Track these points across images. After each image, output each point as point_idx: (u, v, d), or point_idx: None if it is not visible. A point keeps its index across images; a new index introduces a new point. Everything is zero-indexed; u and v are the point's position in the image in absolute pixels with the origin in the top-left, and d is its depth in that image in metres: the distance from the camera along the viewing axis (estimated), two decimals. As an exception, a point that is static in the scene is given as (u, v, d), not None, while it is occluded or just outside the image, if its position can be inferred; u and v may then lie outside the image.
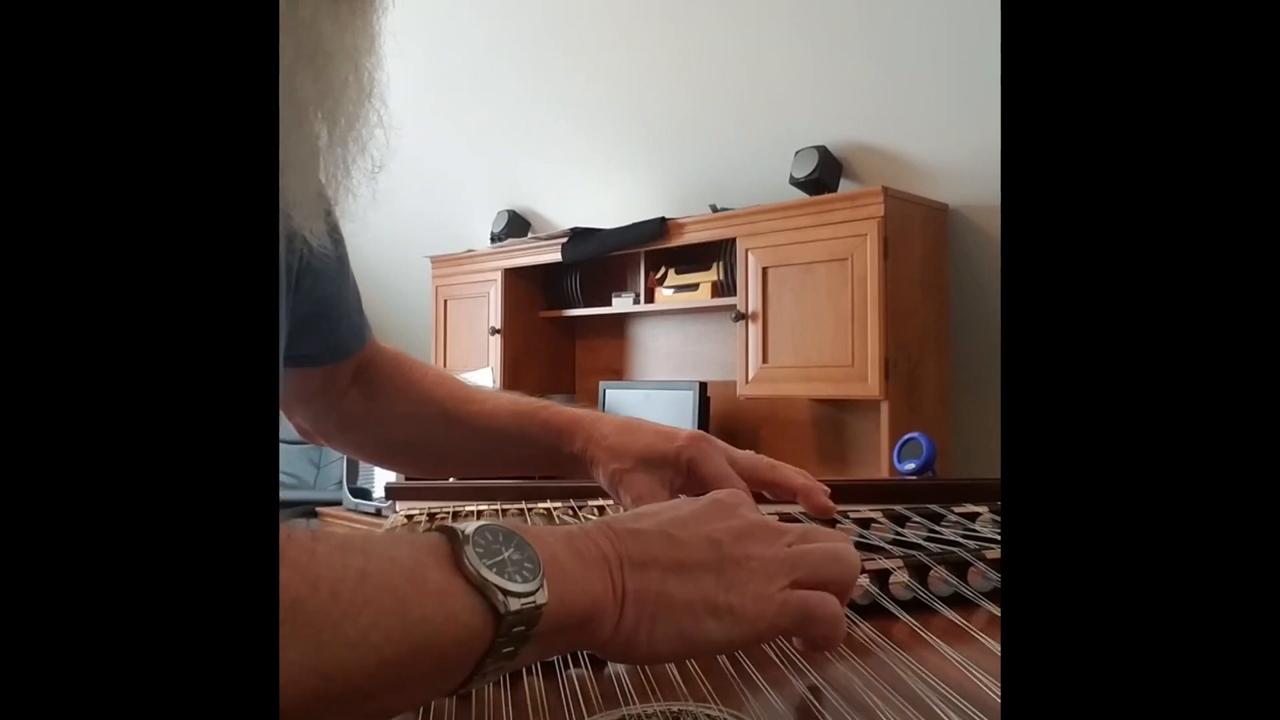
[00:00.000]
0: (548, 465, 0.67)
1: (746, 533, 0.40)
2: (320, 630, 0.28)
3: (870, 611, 0.50)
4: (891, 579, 0.52)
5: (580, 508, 0.73)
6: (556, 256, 2.84)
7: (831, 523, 0.65)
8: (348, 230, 0.56)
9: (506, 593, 0.31)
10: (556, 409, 0.67)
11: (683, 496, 0.43)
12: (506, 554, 0.33)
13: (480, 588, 0.31)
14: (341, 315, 0.66)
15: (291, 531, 0.29)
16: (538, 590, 0.32)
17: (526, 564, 0.33)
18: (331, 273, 0.61)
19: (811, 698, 0.40)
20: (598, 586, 0.35)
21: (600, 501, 0.78)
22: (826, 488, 0.62)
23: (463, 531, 0.33)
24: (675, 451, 0.61)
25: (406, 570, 0.31)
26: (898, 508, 0.69)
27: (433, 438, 0.71)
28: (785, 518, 0.68)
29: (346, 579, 0.29)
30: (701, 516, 0.41)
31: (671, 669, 0.42)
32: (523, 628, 0.32)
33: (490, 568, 0.32)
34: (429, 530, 0.34)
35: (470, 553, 0.32)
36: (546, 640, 0.34)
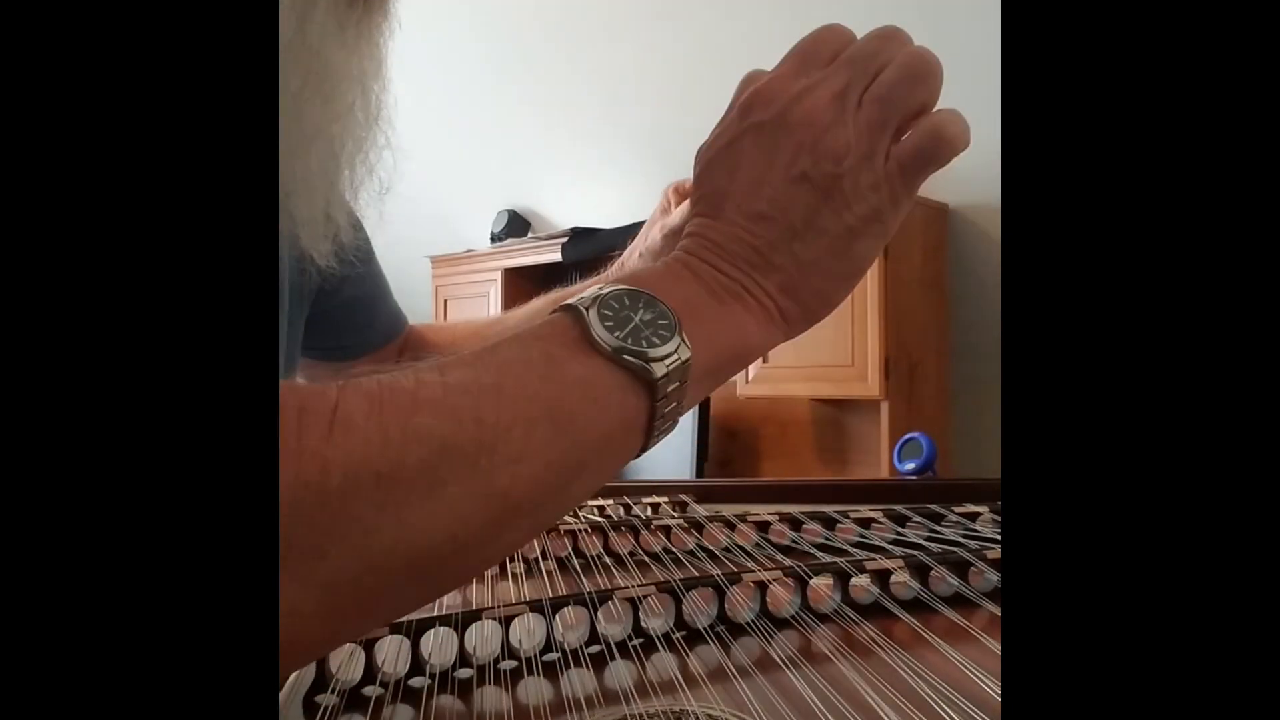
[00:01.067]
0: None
1: (812, 141, 0.35)
2: (478, 458, 0.27)
3: (871, 611, 0.50)
4: (892, 579, 0.52)
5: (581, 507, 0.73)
6: (556, 256, 2.84)
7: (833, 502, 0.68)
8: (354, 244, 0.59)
9: (650, 359, 0.30)
10: (568, 290, 0.68)
11: (711, 134, 0.38)
12: (637, 318, 0.31)
13: (621, 362, 0.30)
14: (379, 306, 0.74)
15: (419, 374, 0.29)
16: (679, 345, 0.31)
17: (660, 320, 0.31)
18: (359, 274, 0.66)
19: (813, 697, 0.40)
20: (739, 313, 0.33)
21: (601, 501, 0.78)
22: None
23: (584, 306, 0.31)
24: (660, 201, 0.67)
25: (541, 371, 0.30)
26: (898, 508, 0.69)
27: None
28: (785, 518, 0.68)
29: (485, 402, 0.28)
30: (759, 158, 0.36)
31: (672, 669, 0.42)
32: (677, 384, 0.31)
33: (624, 339, 0.30)
34: (553, 313, 0.32)
35: (599, 328, 0.30)
36: (709, 378, 0.32)
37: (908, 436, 1.28)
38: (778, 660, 0.44)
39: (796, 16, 2.15)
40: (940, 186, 2.26)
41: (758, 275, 0.34)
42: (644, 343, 0.30)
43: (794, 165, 0.35)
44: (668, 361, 0.30)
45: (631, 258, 0.69)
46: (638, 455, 0.32)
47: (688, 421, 2.52)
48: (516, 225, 3.25)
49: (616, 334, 0.30)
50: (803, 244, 0.35)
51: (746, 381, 2.36)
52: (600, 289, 0.32)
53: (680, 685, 0.41)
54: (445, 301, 3.30)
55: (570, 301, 0.32)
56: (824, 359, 2.20)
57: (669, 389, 0.30)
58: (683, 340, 0.31)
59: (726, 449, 2.66)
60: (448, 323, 0.80)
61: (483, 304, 3.11)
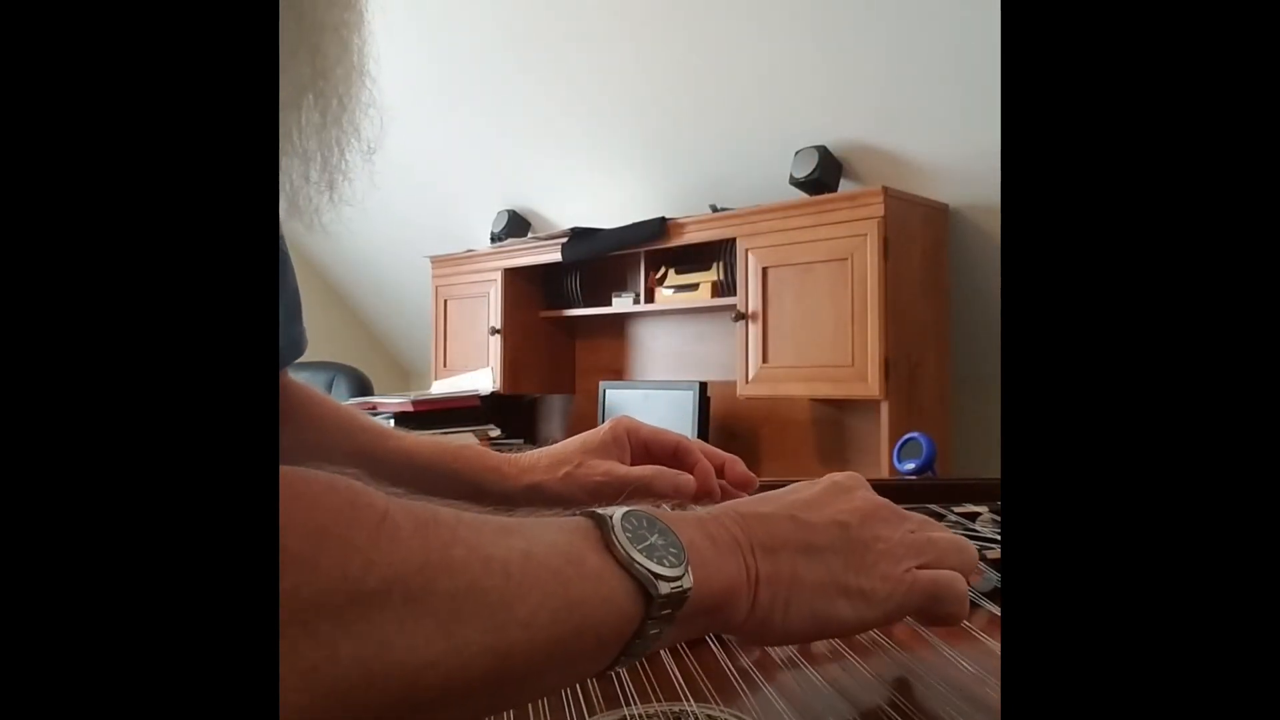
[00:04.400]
0: (466, 506, 0.63)
1: (871, 514, 0.41)
2: (496, 610, 0.29)
3: (871, 611, 0.50)
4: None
5: None
6: (556, 256, 2.84)
7: None
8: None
9: (658, 576, 0.32)
10: (480, 448, 0.65)
11: (800, 482, 0.43)
12: (652, 539, 0.33)
13: (633, 571, 0.32)
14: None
15: (459, 514, 0.30)
16: (684, 575, 0.33)
17: (671, 549, 0.33)
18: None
19: (813, 697, 0.40)
20: (733, 571, 0.36)
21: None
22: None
23: (610, 516, 0.33)
24: (608, 431, 0.61)
25: (565, 553, 0.31)
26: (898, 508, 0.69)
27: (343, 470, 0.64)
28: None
29: (514, 560, 0.30)
30: (824, 498, 0.41)
31: (673, 669, 0.42)
32: (670, 610, 0.32)
33: (641, 552, 0.32)
34: (574, 514, 0.34)
35: (620, 537, 0.32)
36: (687, 622, 0.34)
37: (908, 436, 1.28)
38: (778, 660, 0.44)
39: (797, 17, 2.15)
40: (940, 186, 2.26)
41: (760, 554, 0.37)
42: (656, 560, 0.33)
43: (845, 515, 0.40)
44: (672, 584, 0.32)
45: (554, 475, 0.61)
46: (598, 674, 0.34)
47: (688, 421, 2.52)
48: (516, 225, 3.26)
49: (635, 546, 0.33)
50: (807, 565, 0.38)
51: (747, 381, 2.36)
52: (624, 507, 0.34)
53: (680, 686, 0.41)
54: (445, 301, 3.30)
55: (597, 510, 0.34)
56: (824, 359, 2.20)
57: (663, 611, 0.32)
58: (688, 571, 0.33)
59: (727, 449, 2.64)
60: (334, 401, 0.66)
61: (483, 304, 3.12)
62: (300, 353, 0.62)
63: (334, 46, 0.39)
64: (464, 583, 0.28)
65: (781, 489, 0.43)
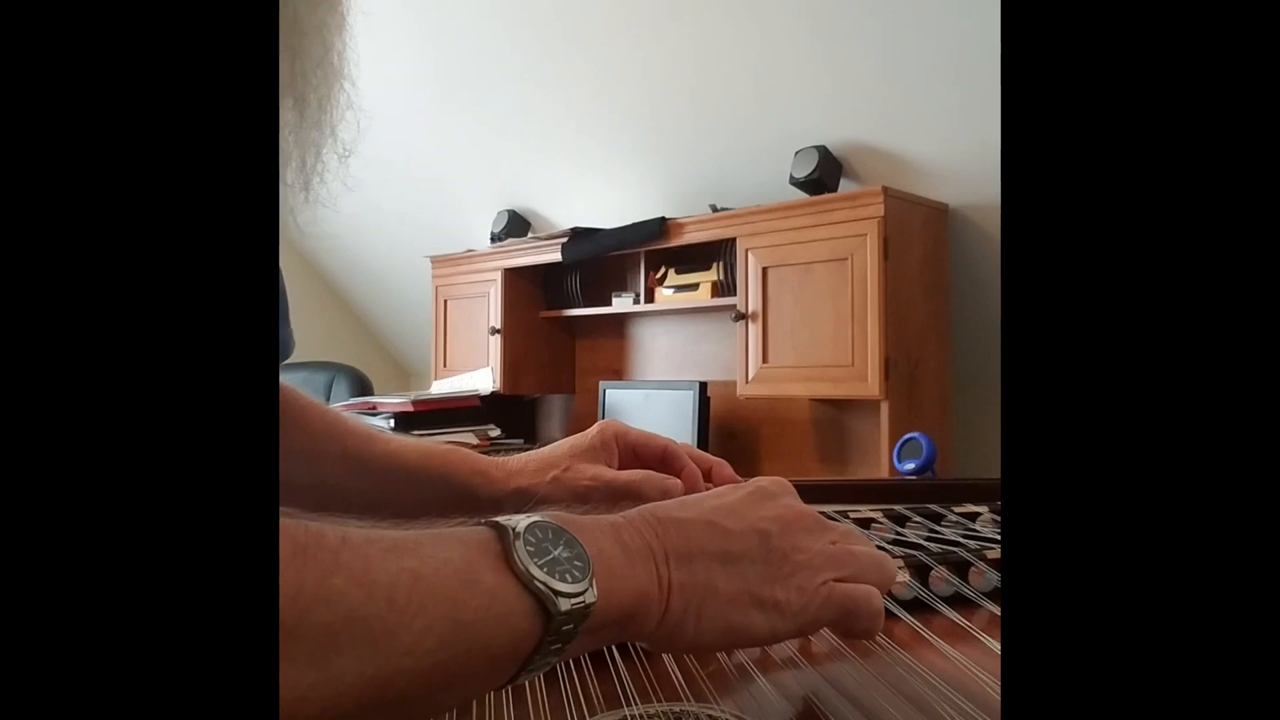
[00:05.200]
0: (453, 509, 0.60)
1: (793, 523, 0.40)
2: (377, 639, 0.28)
3: (871, 611, 0.50)
4: (892, 579, 0.52)
5: None
6: (556, 256, 2.84)
7: None
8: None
9: (558, 593, 0.31)
10: (467, 451, 0.63)
11: (726, 485, 0.43)
12: (556, 551, 0.33)
13: (530, 587, 0.31)
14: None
15: (346, 534, 0.29)
16: (587, 589, 0.32)
17: (576, 562, 0.33)
18: None
19: (813, 697, 0.40)
20: (644, 580, 0.35)
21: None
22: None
23: (514, 528, 0.33)
24: (596, 435, 0.61)
25: (459, 571, 0.31)
26: (898, 508, 0.69)
27: (326, 476, 0.61)
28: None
29: (401, 583, 0.29)
30: (746, 505, 0.40)
31: (673, 669, 0.42)
32: (571, 626, 0.32)
33: (542, 567, 0.32)
34: (478, 524, 0.34)
35: (521, 551, 0.32)
36: (593, 634, 0.34)
37: (908, 436, 1.28)
38: (778, 660, 0.44)
39: (797, 18, 2.15)
40: (940, 186, 2.26)
41: (674, 561, 0.36)
42: (557, 576, 0.32)
43: (766, 523, 0.39)
44: (573, 601, 0.32)
45: (541, 479, 0.60)
46: (494, 690, 0.33)
47: (688, 421, 2.52)
48: (516, 225, 3.25)
49: (536, 561, 0.32)
50: (722, 574, 0.37)
51: (746, 381, 2.36)
52: (530, 517, 0.33)
53: (680, 685, 0.41)
54: (445, 301, 3.30)
55: (499, 520, 0.33)
56: (824, 359, 2.20)
57: (563, 627, 0.32)
58: (592, 585, 0.33)
59: (727, 449, 2.66)
60: (319, 403, 0.63)
61: (483, 304, 3.12)
62: (288, 353, 0.62)
63: (315, 48, 0.39)
64: (341, 613, 0.27)
65: (705, 493, 0.42)
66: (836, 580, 0.40)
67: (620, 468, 0.60)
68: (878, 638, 0.46)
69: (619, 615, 0.34)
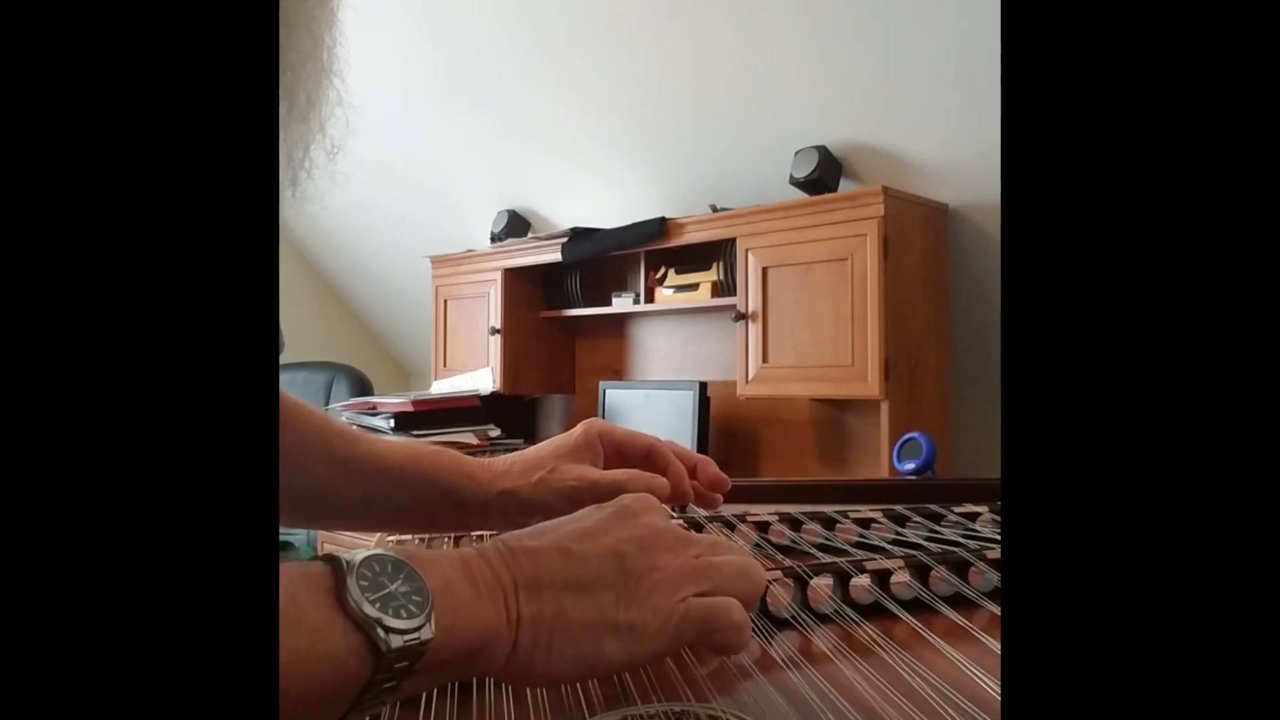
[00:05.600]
0: (440, 511, 0.62)
1: (652, 541, 0.39)
2: None
3: (872, 611, 0.50)
4: (893, 579, 0.52)
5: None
6: (556, 256, 2.84)
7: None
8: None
9: (389, 629, 0.30)
10: (454, 453, 0.62)
11: (589, 506, 0.42)
12: (393, 586, 0.32)
13: (361, 625, 0.30)
14: None
15: None
16: (423, 626, 0.31)
17: (415, 596, 0.32)
18: None
19: (813, 697, 0.40)
20: (490, 615, 0.34)
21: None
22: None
23: (348, 562, 0.32)
24: (581, 435, 0.60)
25: (281, 609, 0.29)
26: (898, 508, 0.69)
27: (313, 478, 0.61)
28: (785, 518, 0.68)
29: None
30: (605, 526, 0.39)
31: (673, 669, 0.42)
32: (406, 663, 0.31)
33: (374, 603, 0.31)
34: (316, 560, 0.33)
35: (353, 586, 0.31)
36: (434, 672, 0.33)
37: (908, 436, 1.28)
38: (778, 660, 0.44)
39: (797, 18, 2.15)
40: (940, 186, 2.26)
41: (523, 593, 0.35)
42: (391, 612, 0.31)
43: (622, 545, 0.38)
44: (406, 638, 0.31)
45: (527, 480, 0.60)
46: None
47: (688, 422, 2.52)
48: (516, 225, 3.25)
49: (369, 596, 0.31)
50: (574, 602, 0.36)
51: (747, 381, 2.36)
52: (368, 551, 0.33)
53: (680, 685, 0.41)
54: (445, 301, 3.30)
55: (337, 555, 0.32)
56: (824, 359, 2.20)
57: (396, 665, 0.31)
58: (429, 621, 0.32)
59: (727, 449, 2.66)
60: (305, 403, 0.62)
61: (483, 304, 3.12)
62: (278, 353, 0.61)
63: (304, 42, 0.39)
64: None
65: (565, 517, 0.41)
66: (697, 595, 0.38)
67: (606, 467, 0.60)
68: (877, 638, 0.46)
69: (463, 651, 0.33)
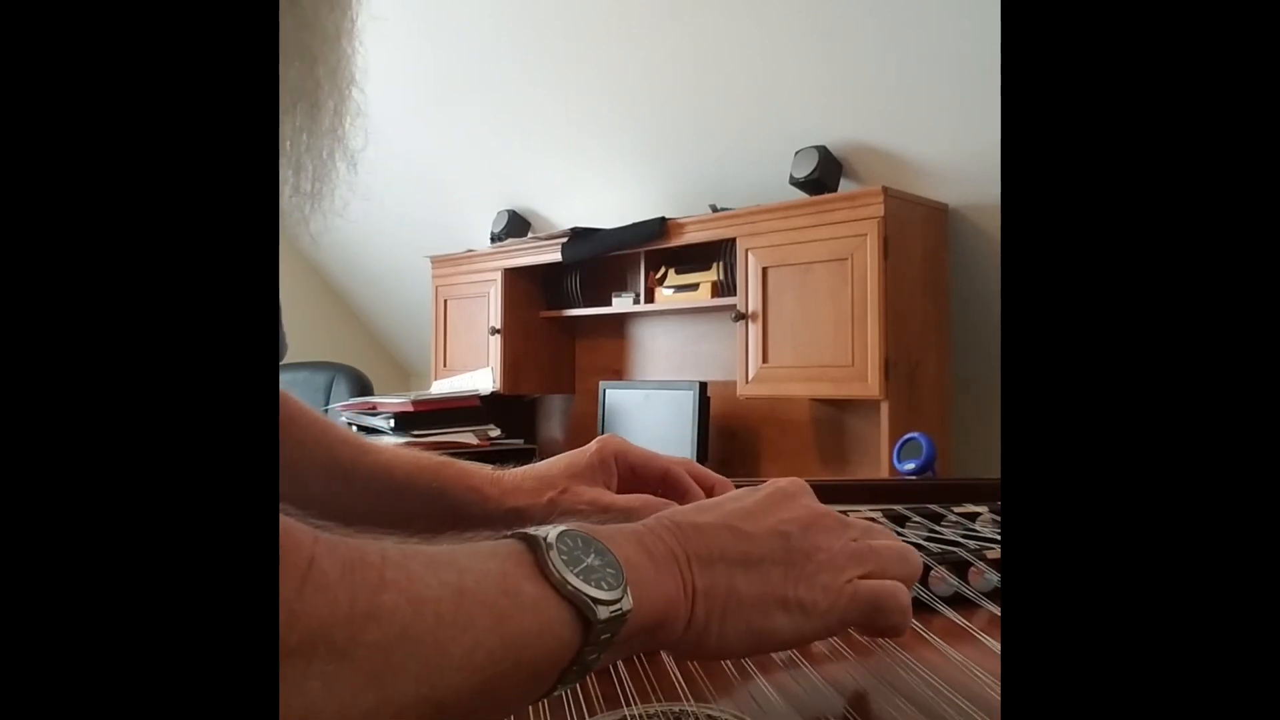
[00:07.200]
0: (445, 525, 0.59)
1: (813, 523, 0.40)
2: (429, 656, 0.28)
3: (871, 611, 0.50)
4: (892, 579, 0.52)
5: None
6: (556, 256, 2.84)
7: None
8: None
9: (596, 601, 0.31)
10: (462, 465, 0.60)
11: (742, 488, 0.42)
12: (589, 560, 0.32)
13: (570, 598, 0.31)
14: None
15: (383, 548, 0.29)
16: (623, 596, 0.32)
17: (609, 569, 0.32)
18: None
19: (812, 697, 0.40)
20: (671, 586, 0.35)
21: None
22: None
23: (544, 539, 0.32)
24: (595, 454, 0.58)
25: (499, 584, 0.30)
26: (898, 508, 0.69)
27: (314, 487, 0.59)
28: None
29: (446, 598, 0.29)
30: (765, 507, 0.40)
31: (673, 669, 0.42)
32: (609, 634, 0.32)
33: (578, 575, 0.31)
34: (504, 537, 0.33)
35: (556, 560, 0.31)
36: (625, 643, 0.33)
37: (908, 436, 1.28)
38: (777, 660, 0.44)
39: (798, 18, 2.15)
40: (940, 186, 2.26)
41: (696, 566, 0.36)
42: (593, 584, 0.31)
43: (786, 525, 0.39)
44: (611, 608, 0.31)
45: (538, 500, 0.58)
46: (534, 701, 0.33)
47: (688, 422, 2.52)
48: (516, 225, 3.26)
49: (571, 569, 0.31)
50: (744, 578, 0.37)
51: (747, 381, 2.36)
52: (557, 527, 0.33)
53: (680, 685, 0.41)
54: (445, 301, 3.30)
55: (527, 531, 0.33)
56: (824, 359, 2.20)
57: (601, 636, 0.31)
58: (627, 593, 0.32)
59: (726, 449, 2.66)
60: (310, 410, 0.60)
61: (483, 304, 3.12)
62: (282, 355, 0.60)
63: (332, 54, 0.39)
64: (394, 631, 0.27)
65: (722, 496, 0.42)
66: (861, 577, 0.39)
67: (619, 488, 0.58)
68: (876, 638, 0.46)
69: (650, 622, 0.34)
